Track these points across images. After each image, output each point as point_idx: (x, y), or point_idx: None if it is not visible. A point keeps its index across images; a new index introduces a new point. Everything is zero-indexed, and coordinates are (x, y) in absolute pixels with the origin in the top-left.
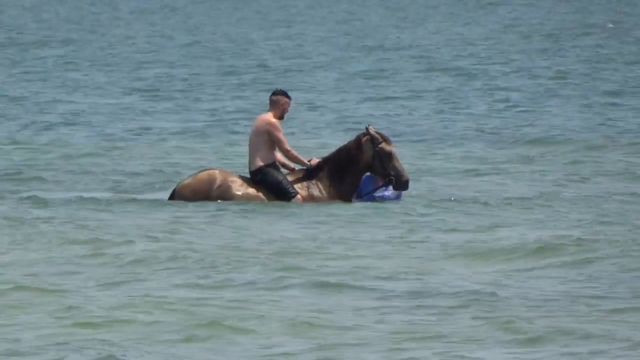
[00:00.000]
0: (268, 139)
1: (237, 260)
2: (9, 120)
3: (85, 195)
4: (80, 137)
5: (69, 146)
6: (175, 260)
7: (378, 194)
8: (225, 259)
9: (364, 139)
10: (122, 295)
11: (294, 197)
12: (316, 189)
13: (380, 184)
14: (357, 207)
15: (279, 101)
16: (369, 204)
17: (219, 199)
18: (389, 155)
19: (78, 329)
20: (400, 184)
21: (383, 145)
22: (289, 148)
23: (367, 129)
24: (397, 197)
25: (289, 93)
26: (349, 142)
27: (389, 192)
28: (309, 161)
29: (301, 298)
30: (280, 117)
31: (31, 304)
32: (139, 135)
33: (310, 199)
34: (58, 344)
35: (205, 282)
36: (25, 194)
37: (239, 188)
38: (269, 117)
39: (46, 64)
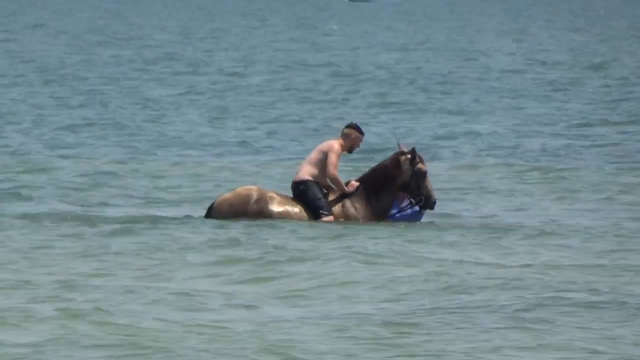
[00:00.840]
0: (324, 160)
1: None
2: None
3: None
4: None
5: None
6: None
7: (400, 212)
8: None
9: (403, 158)
10: None
11: (326, 216)
12: (352, 207)
13: (405, 204)
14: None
15: (350, 135)
16: None
17: (257, 216)
18: (425, 175)
19: None
20: (429, 204)
21: (420, 165)
22: (336, 173)
23: (412, 149)
24: (415, 216)
25: (363, 129)
26: (385, 161)
27: (410, 210)
28: (346, 185)
29: None
30: (349, 151)
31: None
32: None
33: (345, 217)
34: None
35: None
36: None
37: (277, 205)
38: (336, 142)
39: None
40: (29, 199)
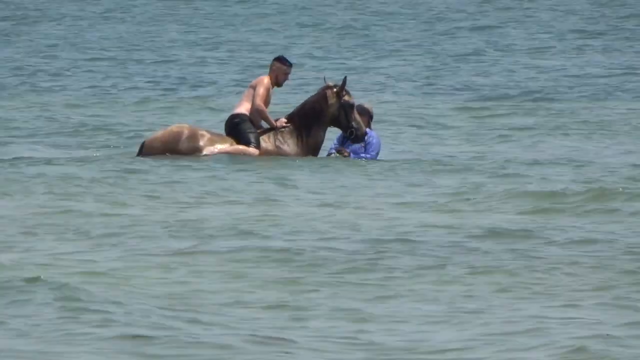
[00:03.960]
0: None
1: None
2: None
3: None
4: None
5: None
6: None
7: (356, 154)
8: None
9: (329, 92)
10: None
11: (254, 148)
12: (284, 144)
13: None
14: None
15: (272, 67)
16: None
17: (188, 153)
18: (352, 107)
19: None
20: (360, 137)
21: (347, 97)
22: (261, 104)
23: (329, 83)
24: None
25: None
26: (312, 96)
27: (370, 155)
28: (275, 121)
29: None
30: (276, 84)
31: None
32: None
33: (278, 153)
34: None
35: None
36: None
37: (208, 142)
38: (266, 77)
39: None
40: None
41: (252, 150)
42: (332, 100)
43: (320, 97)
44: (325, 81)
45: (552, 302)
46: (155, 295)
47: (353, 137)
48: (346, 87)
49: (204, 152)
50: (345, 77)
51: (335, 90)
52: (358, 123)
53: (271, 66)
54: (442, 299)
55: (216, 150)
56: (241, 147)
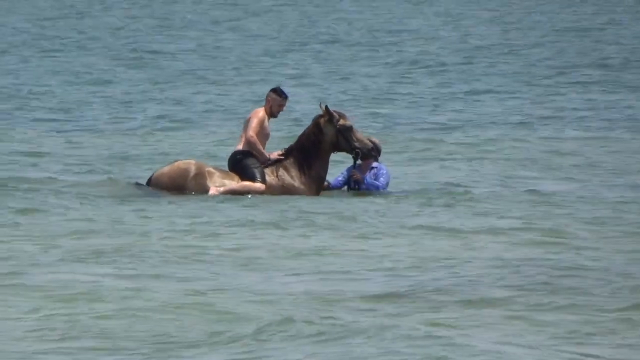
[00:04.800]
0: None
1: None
2: None
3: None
4: None
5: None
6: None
7: (371, 185)
8: None
9: (322, 120)
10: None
11: (259, 183)
12: (287, 176)
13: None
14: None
15: (267, 98)
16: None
17: (195, 190)
18: (351, 129)
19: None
20: (367, 153)
21: (342, 121)
22: (253, 135)
23: (324, 108)
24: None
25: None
26: (306, 128)
27: (381, 183)
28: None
29: None
30: (271, 115)
31: None
32: None
33: (282, 186)
34: None
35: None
36: None
37: (216, 180)
38: (261, 109)
39: None
40: None
41: (257, 185)
42: (326, 128)
43: (314, 128)
44: (320, 107)
45: None
46: None
47: (361, 157)
48: (339, 111)
49: (211, 192)
50: (326, 105)
51: (326, 118)
52: (361, 142)
53: (267, 97)
54: None
55: (222, 189)
56: (247, 183)
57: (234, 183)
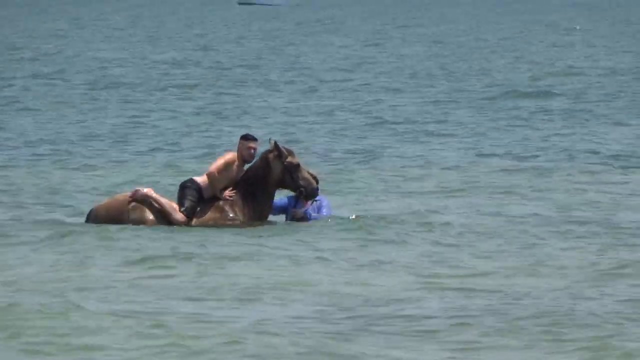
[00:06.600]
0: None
1: None
2: None
3: None
4: None
5: None
6: None
7: (313, 215)
8: None
9: (271, 156)
10: None
11: (183, 214)
12: (231, 211)
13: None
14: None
15: (238, 144)
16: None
17: (134, 222)
18: (298, 167)
19: None
20: (311, 192)
21: (290, 159)
22: (214, 171)
23: (274, 143)
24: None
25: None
26: (255, 162)
27: (322, 212)
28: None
29: None
30: (244, 160)
31: None
32: None
33: (224, 220)
34: None
35: None
36: None
37: (154, 212)
38: (231, 152)
39: None
40: None
41: (179, 216)
42: (274, 164)
43: (263, 163)
44: (270, 142)
45: None
46: None
47: (304, 196)
48: (288, 148)
49: (145, 189)
50: (275, 141)
51: (274, 154)
52: (306, 180)
53: (237, 144)
54: None
55: (152, 194)
56: (174, 206)
57: (167, 201)
